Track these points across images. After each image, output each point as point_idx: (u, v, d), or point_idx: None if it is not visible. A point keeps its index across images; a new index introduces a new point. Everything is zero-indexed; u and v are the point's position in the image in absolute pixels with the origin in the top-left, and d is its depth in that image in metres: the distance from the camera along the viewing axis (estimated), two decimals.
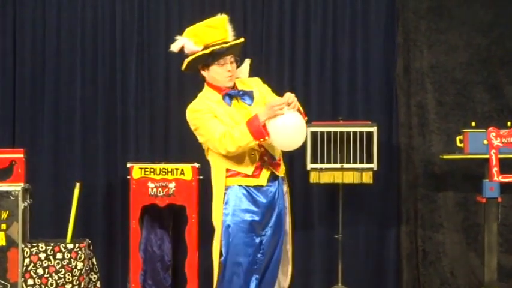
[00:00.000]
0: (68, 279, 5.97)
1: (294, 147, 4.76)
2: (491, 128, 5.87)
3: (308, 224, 6.76)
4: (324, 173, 6.30)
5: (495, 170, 5.75)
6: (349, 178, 6.32)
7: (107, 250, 6.71)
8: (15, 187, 6.00)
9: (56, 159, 6.76)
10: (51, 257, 5.98)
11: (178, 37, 4.83)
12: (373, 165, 6.29)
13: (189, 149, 6.70)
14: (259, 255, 4.88)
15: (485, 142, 5.92)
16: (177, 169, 6.24)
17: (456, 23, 6.80)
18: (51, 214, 6.69)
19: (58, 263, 5.98)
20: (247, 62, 5.11)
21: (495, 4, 6.80)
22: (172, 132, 6.73)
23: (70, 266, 5.98)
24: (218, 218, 4.85)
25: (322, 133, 6.26)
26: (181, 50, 4.85)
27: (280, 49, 6.80)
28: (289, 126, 4.65)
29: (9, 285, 5.97)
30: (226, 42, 4.82)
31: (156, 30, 6.82)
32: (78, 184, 6.19)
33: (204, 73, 4.86)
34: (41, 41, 6.81)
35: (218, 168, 4.86)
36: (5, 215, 5.95)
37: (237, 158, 4.80)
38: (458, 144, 6.30)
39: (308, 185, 6.54)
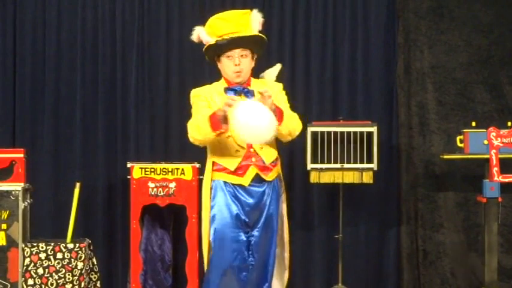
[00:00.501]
0: (68, 279, 5.97)
1: (257, 138, 4.67)
2: (491, 128, 5.87)
3: (308, 224, 6.76)
4: (324, 173, 6.30)
5: (495, 170, 5.75)
6: (350, 178, 6.31)
7: (107, 250, 6.71)
8: (15, 187, 5.99)
9: (56, 159, 6.76)
10: (51, 257, 5.98)
11: (196, 27, 4.94)
12: (374, 165, 6.28)
13: (190, 148, 6.68)
14: (249, 257, 4.88)
15: (486, 142, 5.92)
16: (177, 169, 6.24)
17: (456, 23, 6.81)
18: (52, 214, 6.69)
19: (58, 263, 5.98)
20: (277, 66, 5.15)
21: (495, 4, 6.80)
22: (172, 132, 6.73)
23: (70, 265, 5.98)
24: (206, 210, 4.89)
25: (322, 133, 6.26)
26: (200, 40, 4.95)
27: (280, 49, 6.80)
28: (242, 116, 4.61)
29: (9, 285, 5.96)
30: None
31: (156, 30, 6.82)
32: (78, 184, 6.19)
33: (218, 65, 4.97)
34: (41, 41, 6.81)
35: (208, 160, 4.97)
36: (5, 214, 5.95)
37: (222, 151, 4.87)
38: (459, 144, 6.30)
39: (308, 185, 6.54)
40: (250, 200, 4.91)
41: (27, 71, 6.79)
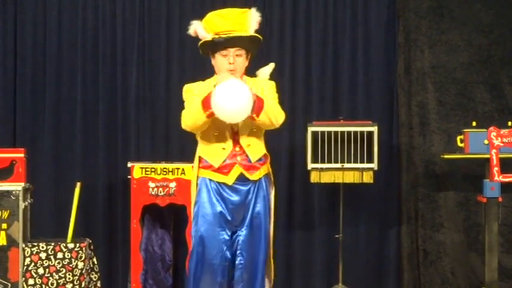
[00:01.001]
0: (69, 278, 5.97)
1: (233, 114, 4.72)
2: (491, 128, 5.88)
3: (308, 224, 6.76)
4: (324, 173, 6.30)
5: (496, 169, 5.76)
6: (350, 178, 6.31)
7: (108, 250, 6.71)
8: (15, 187, 6.00)
9: (57, 158, 6.76)
10: (51, 257, 5.98)
11: (193, 21, 4.94)
12: (374, 165, 6.28)
13: (190, 148, 6.69)
14: (238, 257, 4.88)
15: (486, 142, 5.92)
16: (177, 169, 6.24)
17: (457, 23, 6.81)
18: (52, 214, 6.69)
19: (59, 263, 5.98)
20: (270, 65, 5.15)
21: (496, 4, 6.80)
22: (172, 132, 6.73)
23: (71, 265, 5.98)
24: (192, 207, 4.94)
25: (322, 133, 6.26)
26: (196, 34, 4.96)
27: (281, 49, 6.80)
28: (220, 93, 4.69)
29: (9, 284, 5.96)
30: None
31: (156, 30, 6.82)
32: (78, 184, 6.20)
33: (212, 61, 4.97)
34: (41, 40, 6.81)
35: (196, 156, 5.00)
36: (5, 214, 5.95)
37: (208, 147, 4.91)
38: (459, 144, 6.30)
39: (309, 185, 6.53)
40: (235, 198, 4.90)
41: (28, 70, 6.80)
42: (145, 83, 6.80)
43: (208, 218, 4.86)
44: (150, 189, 6.23)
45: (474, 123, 6.25)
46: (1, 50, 6.80)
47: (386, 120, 6.73)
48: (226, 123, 4.80)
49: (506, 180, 5.82)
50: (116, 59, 6.79)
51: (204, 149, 4.95)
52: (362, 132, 6.28)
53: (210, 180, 4.91)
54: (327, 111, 6.75)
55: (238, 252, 4.89)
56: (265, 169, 5.02)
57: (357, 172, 6.30)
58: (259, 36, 5.02)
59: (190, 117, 4.85)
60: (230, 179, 4.90)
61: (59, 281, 5.97)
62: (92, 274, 6.16)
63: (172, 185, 6.23)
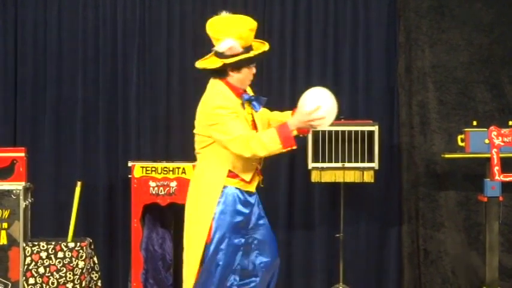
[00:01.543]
0: (69, 278, 5.97)
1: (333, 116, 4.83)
2: (492, 127, 5.88)
3: (309, 223, 6.76)
4: (325, 172, 6.30)
5: (496, 169, 5.76)
6: (351, 177, 6.32)
7: (108, 249, 6.72)
8: (16, 186, 6.00)
9: (57, 158, 6.76)
10: (52, 256, 5.98)
11: (223, 37, 4.74)
12: (375, 165, 6.29)
13: (190, 148, 6.69)
14: (256, 259, 4.88)
15: (487, 141, 5.92)
16: (178, 168, 6.24)
17: (457, 22, 6.81)
18: (53, 213, 6.69)
19: (59, 262, 5.98)
20: None
21: (496, 3, 6.80)
22: (173, 131, 6.73)
23: (71, 264, 5.98)
24: (208, 211, 4.79)
25: (323, 132, 6.26)
26: (232, 51, 4.79)
27: (281, 48, 6.80)
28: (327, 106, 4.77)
29: (10, 284, 5.97)
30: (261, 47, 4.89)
31: (157, 29, 6.81)
32: (79, 183, 6.20)
33: (232, 74, 4.81)
34: (42, 40, 6.81)
35: (217, 166, 4.83)
36: (6, 213, 5.96)
37: (243, 164, 4.80)
38: (460, 144, 6.30)
39: (309, 184, 6.53)
40: (253, 202, 4.92)
41: (29, 70, 6.80)
42: (145, 82, 6.80)
43: (231, 226, 4.80)
44: (151, 188, 6.23)
45: (475, 123, 6.25)
46: (1, 49, 6.80)
47: (387, 120, 6.73)
48: None
49: (507, 179, 5.82)
50: (117, 59, 6.79)
51: (236, 165, 4.81)
52: (363, 132, 6.28)
53: (236, 188, 4.85)
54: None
55: (256, 252, 4.91)
56: None
57: (358, 171, 6.30)
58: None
59: (263, 150, 4.68)
60: (253, 186, 4.92)
61: (59, 280, 5.97)
62: (93, 273, 6.16)
63: (173, 184, 6.23)
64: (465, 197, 6.73)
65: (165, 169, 6.24)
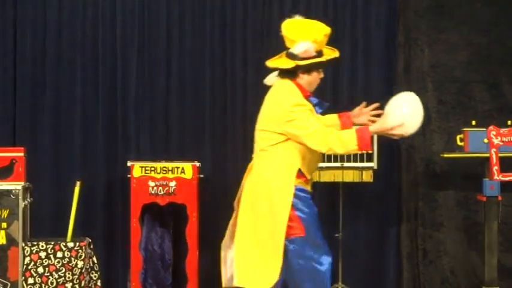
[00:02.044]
0: (69, 278, 5.97)
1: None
2: (491, 127, 5.88)
3: None
4: (324, 172, 6.30)
5: (495, 168, 5.76)
6: (350, 177, 6.32)
7: (108, 249, 6.72)
8: (15, 186, 5.99)
9: (57, 157, 6.76)
10: (51, 256, 5.98)
11: (299, 40, 4.92)
12: (374, 164, 6.29)
13: (190, 147, 6.71)
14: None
15: (486, 141, 5.93)
16: (177, 168, 6.25)
17: (456, 22, 6.81)
18: (52, 213, 6.69)
19: (58, 262, 5.98)
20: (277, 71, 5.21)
21: (495, 3, 6.80)
22: (172, 131, 6.74)
23: (70, 264, 5.98)
24: (284, 209, 4.86)
25: None
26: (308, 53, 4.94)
27: (281, 48, 6.78)
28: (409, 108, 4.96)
29: (9, 284, 5.96)
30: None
31: (156, 29, 6.81)
32: (78, 183, 6.19)
33: (302, 76, 4.99)
34: (41, 40, 6.81)
35: (287, 165, 4.92)
36: (5, 213, 5.95)
37: (309, 163, 4.96)
38: (459, 143, 6.30)
39: None
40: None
41: (28, 69, 6.80)
42: (145, 81, 6.80)
43: (314, 217, 5.00)
44: (150, 188, 6.24)
45: (474, 122, 6.26)
46: (1, 49, 6.80)
47: None
48: None
49: (506, 179, 5.82)
50: (116, 58, 6.79)
51: (303, 163, 4.95)
52: None
53: (303, 187, 4.97)
54: (327, 110, 6.73)
55: None
56: None
57: (357, 171, 6.31)
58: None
59: (342, 147, 4.87)
60: (310, 186, 5.08)
61: (58, 280, 5.97)
62: (92, 273, 6.16)
63: (172, 184, 6.23)
64: (464, 196, 6.73)
65: (164, 169, 6.25)
